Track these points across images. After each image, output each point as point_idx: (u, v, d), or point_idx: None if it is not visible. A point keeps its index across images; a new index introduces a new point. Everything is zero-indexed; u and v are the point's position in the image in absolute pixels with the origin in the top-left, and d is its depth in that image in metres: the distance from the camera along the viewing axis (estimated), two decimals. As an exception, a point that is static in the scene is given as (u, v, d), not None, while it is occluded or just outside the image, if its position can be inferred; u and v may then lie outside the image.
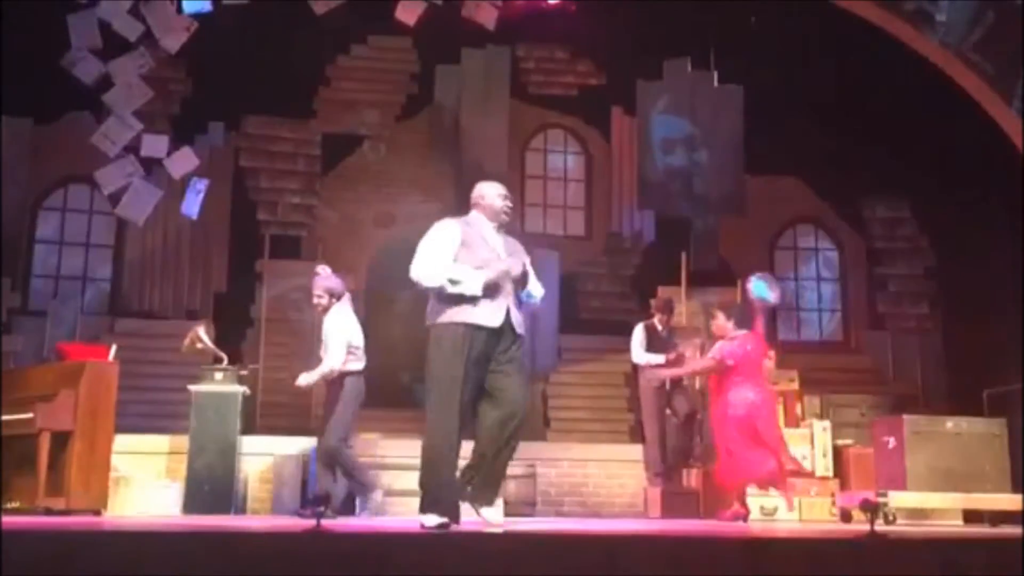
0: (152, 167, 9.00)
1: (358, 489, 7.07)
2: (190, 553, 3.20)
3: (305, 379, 6.81)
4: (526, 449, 8.85)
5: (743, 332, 7.02)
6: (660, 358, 8.19)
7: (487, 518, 4.79)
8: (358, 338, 6.89)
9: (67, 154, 9.76)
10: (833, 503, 8.17)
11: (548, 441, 9.90)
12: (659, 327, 8.44)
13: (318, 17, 8.81)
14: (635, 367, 8.62)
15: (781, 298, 7.72)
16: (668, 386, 8.36)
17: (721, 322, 7.11)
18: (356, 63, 11.02)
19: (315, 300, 6.91)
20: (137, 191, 8.73)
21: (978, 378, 9.07)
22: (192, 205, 8.84)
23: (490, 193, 5.08)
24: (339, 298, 6.92)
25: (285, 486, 8.13)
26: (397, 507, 7.66)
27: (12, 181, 9.76)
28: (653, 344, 8.32)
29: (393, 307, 10.86)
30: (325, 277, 6.98)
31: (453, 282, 4.71)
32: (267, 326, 10.20)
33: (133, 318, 10.04)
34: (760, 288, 7.21)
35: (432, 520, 4.53)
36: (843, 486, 8.36)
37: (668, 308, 8.61)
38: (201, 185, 8.87)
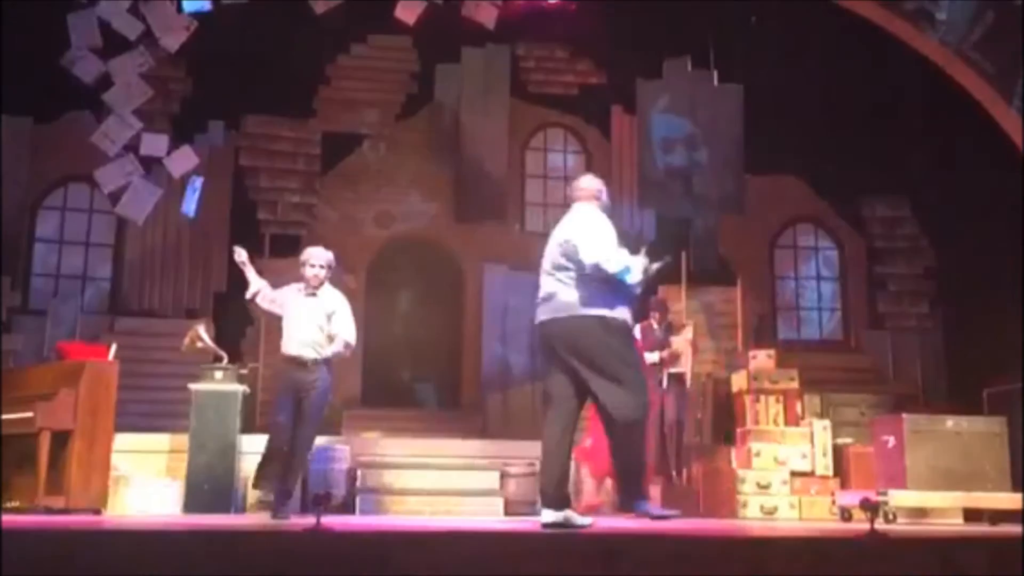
0: (152, 166, 8.99)
1: (292, 484, 6.66)
2: (190, 552, 3.20)
3: (329, 352, 6.49)
4: (526, 448, 8.88)
5: None
6: (654, 356, 8.39)
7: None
8: None
9: (67, 153, 9.75)
10: (833, 502, 8.18)
11: (548, 440, 9.89)
12: (655, 326, 8.58)
13: (318, 16, 8.81)
14: None
15: None
16: (664, 385, 8.43)
17: None
18: (356, 62, 11.01)
19: (316, 271, 6.58)
20: (137, 190, 8.73)
21: (978, 377, 9.06)
22: (189, 203, 8.83)
23: (603, 189, 5.11)
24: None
25: (285, 485, 8.12)
26: (397, 506, 7.66)
27: (12, 180, 9.75)
28: (648, 343, 8.41)
29: (393, 307, 10.88)
30: (325, 250, 6.76)
31: (626, 271, 4.72)
32: (267, 325, 10.17)
33: (133, 317, 10.03)
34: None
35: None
36: (843, 485, 8.37)
37: (663, 307, 8.89)
38: (198, 183, 8.86)
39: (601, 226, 4.86)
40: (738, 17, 9.67)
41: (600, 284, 4.74)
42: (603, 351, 4.73)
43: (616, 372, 4.72)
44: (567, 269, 4.80)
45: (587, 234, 4.78)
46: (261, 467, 6.53)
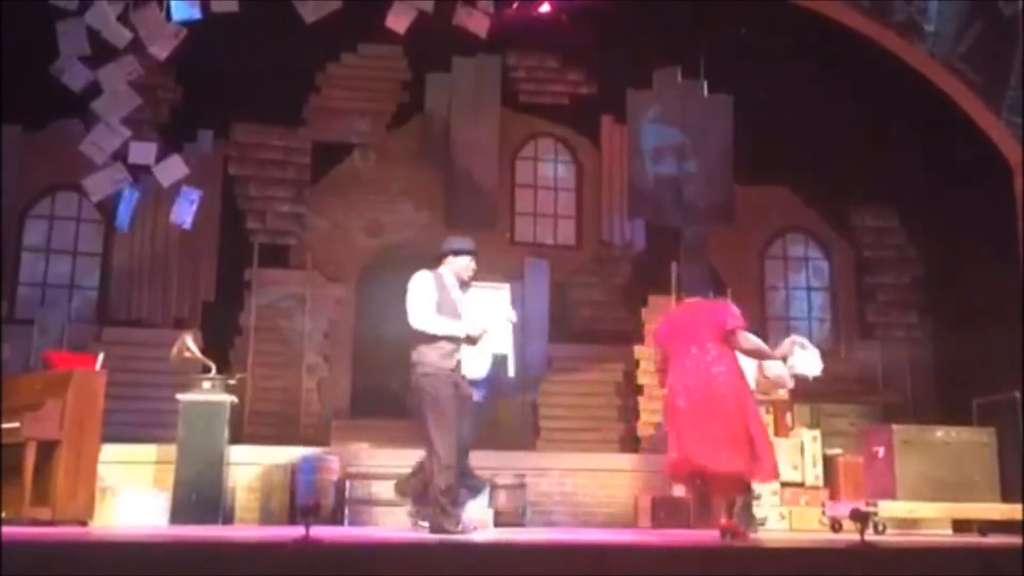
0: (140, 175, 8.95)
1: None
2: (178, 564, 3.18)
3: None
4: (516, 459, 8.87)
5: None
6: None
7: None
8: None
9: (55, 161, 9.70)
10: (823, 512, 8.18)
11: (538, 451, 9.88)
12: None
13: (308, 25, 8.79)
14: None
15: None
16: None
17: None
18: (346, 71, 11.00)
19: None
20: (123, 199, 8.69)
21: (967, 387, 9.09)
22: (185, 215, 8.77)
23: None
24: None
25: (273, 496, 8.09)
26: (385, 517, 7.63)
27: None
28: None
29: (383, 316, 10.83)
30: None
31: None
32: (256, 335, 10.15)
33: (121, 326, 9.97)
34: None
35: None
36: (833, 495, 8.38)
37: None
38: (194, 195, 8.80)
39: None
40: (728, 27, 9.71)
41: None
42: None
43: None
44: None
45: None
46: None
